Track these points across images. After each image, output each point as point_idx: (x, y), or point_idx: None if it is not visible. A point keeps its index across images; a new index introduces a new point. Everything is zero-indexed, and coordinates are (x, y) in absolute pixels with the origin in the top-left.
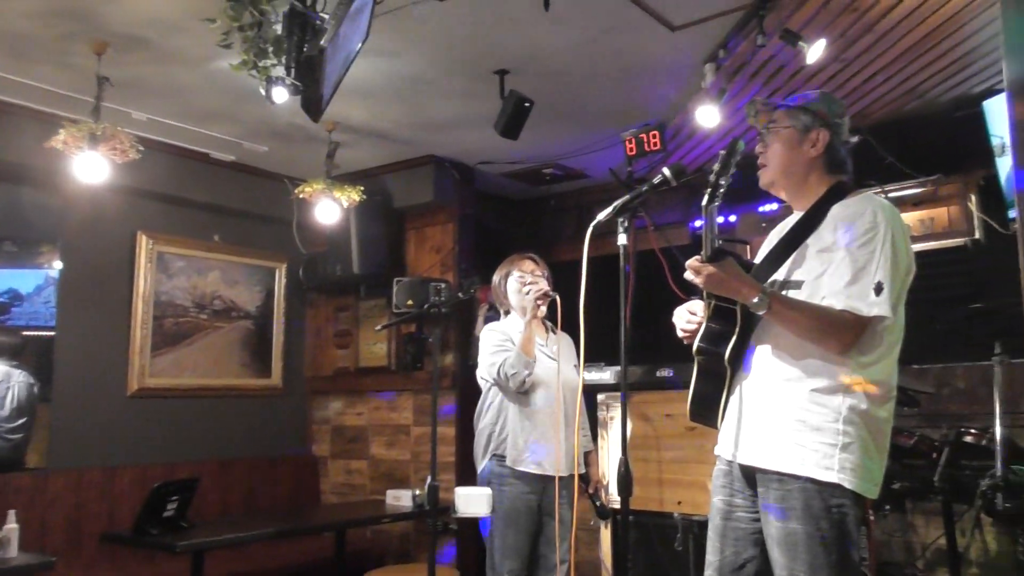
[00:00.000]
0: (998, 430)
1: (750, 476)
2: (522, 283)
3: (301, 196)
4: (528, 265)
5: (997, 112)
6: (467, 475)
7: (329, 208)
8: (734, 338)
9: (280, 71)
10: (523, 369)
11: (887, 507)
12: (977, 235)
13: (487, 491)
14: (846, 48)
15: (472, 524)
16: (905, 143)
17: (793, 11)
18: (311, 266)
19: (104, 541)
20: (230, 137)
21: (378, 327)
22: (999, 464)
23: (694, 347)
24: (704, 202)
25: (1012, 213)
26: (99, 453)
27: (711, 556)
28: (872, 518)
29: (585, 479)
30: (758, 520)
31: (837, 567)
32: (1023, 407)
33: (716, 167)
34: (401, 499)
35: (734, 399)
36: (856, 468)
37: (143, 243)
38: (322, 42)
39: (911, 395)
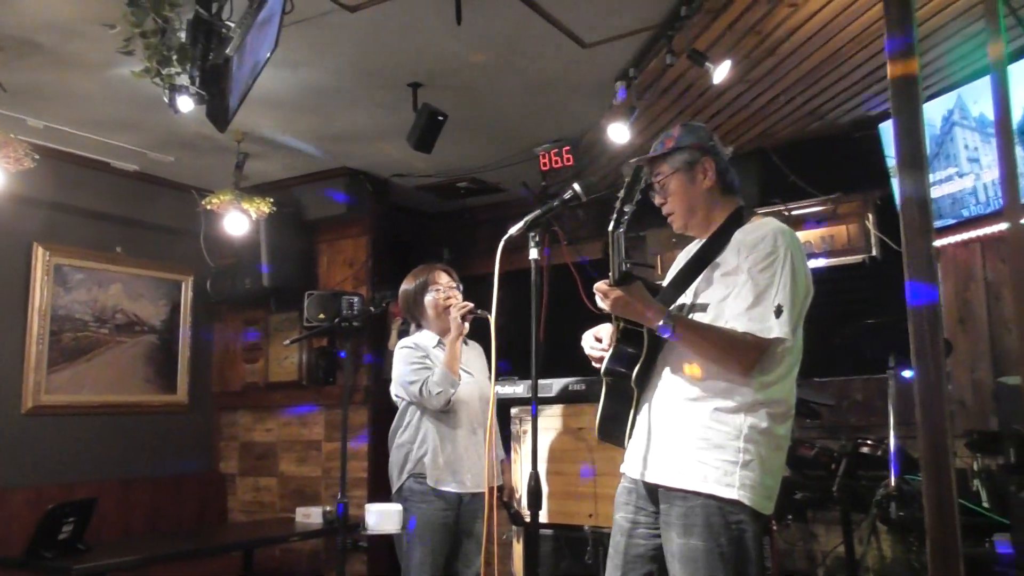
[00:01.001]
0: (892, 441)
1: (653, 493)
2: (441, 297)
3: (209, 207)
4: (444, 277)
5: (892, 134)
6: (379, 491)
7: (238, 220)
8: (641, 359)
9: (184, 79)
10: (449, 388)
11: (789, 517)
12: (874, 252)
13: (398, 507)
14: (750, 69)
15: (383, 541)
16: (807, 163)
17: (700, 32)
18: (219, 279)
19: None
20: (133, 146)
21: (288, 341)
22: (893, 474)
23: (602, 369)
24: (610, 228)
25: None
26: None
27: (611, 573)
28: (775, 528)
29: (500, 489)
30: (659, 537)
31: None
32: (916, 419)
33: (621, 193)
34: (311, 516)
35: (641, 418)
36: (755, 485)
37: (39, 255)
38: (228, 51)
39: (812, 407)
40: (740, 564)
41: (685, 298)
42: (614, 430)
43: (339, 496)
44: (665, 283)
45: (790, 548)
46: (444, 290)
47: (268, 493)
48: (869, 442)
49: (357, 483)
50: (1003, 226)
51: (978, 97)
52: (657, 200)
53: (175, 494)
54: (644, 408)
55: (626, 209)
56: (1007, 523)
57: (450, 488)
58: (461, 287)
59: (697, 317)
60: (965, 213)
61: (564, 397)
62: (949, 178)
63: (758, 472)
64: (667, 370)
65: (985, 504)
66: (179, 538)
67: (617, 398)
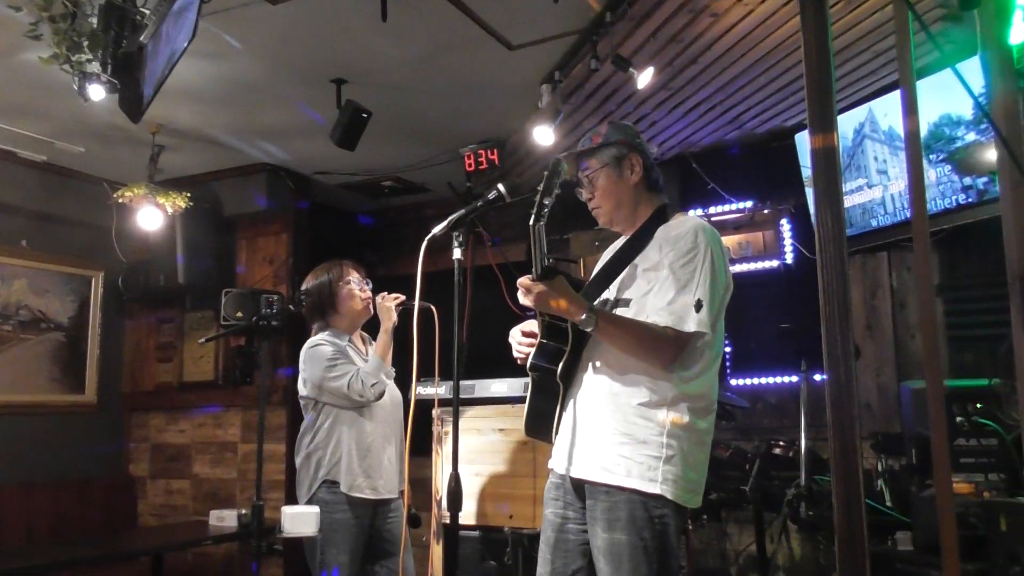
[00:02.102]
0: (803, 442)
1: (580, 489)
2: (354, 289)
3: (121, 201)
4: (355, 273)
5: (807, 145)
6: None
7: (152, 215)
8: (566, 355)
9: (96, 67)
10: (384, 378)
11: (704, 516)
12: (788, 259)
13: (315, 509)
14: (673, 77)
15: (300, 544)
16: (726, 170)
17: (624, 38)
18: (131, 275)
19: None
20: (40, 135)
21: (203, 339)
22: (803, 474)
23: (528, 364)
24: (531, 222)
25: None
26: None
27: (541, 568)
28: (691, 527)
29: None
30: (587, 532)
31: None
32: (825, 421)
33: (540, 187)
34: (226, 519)
35: (567, 414)
36: (678, 479)
37: None
38: (141, 38)
39: (727, 409)
40: (663, 557)
41: (608, 294)
42: (541, 426)
43: (255, 499)
44: (589, 280)
45: (704, 547)
46: (359, 283)
47: (181, 496)
48: (781, 443)
49: (274, 485)
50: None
51: (888, 110)
52: (584, 195)
53: (81, 498)
54: (570, 404)
55: (546, 202)
56: (908, 521)
57: (365, 495)
58: (370, 283)
59: (620, 312)
60: (874, 223)
61: (486, 399)
62: (859, 188)
63: (680, 467)
64: (591, 365)
65: (888, 503)
66: (85, 544)
67: (543, 394)
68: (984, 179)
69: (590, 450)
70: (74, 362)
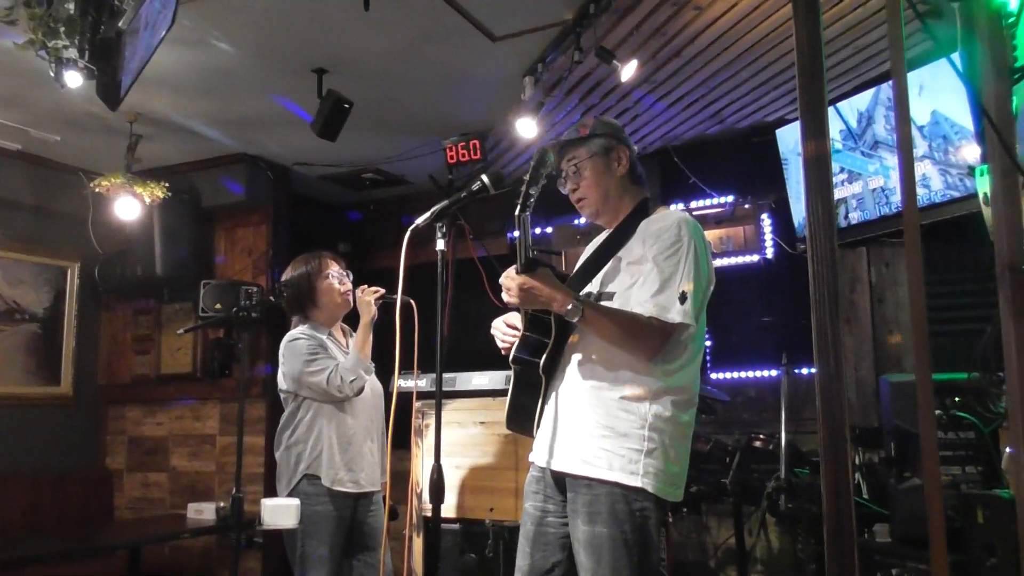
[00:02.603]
0: (783, 436)
1: (561, 482)
2: (335, 283)
3: (97, 191)
4: (335, 265)
5: (788, 140)
6: (276, 486)
7: (129, 205)
8: (549, 348)
9: (73, 53)
10: (363, 374)
11: (684, 510)
12: (768, 253)
13: (295, 502)
14: (656, 71)
15: (279, 537)
16: (707, 165)
17: (608, 31)
18: (108, 266)
19: None
20: (15, 124)
21: (182, 330)
22: (783, 467)
23: (511, 357)
24: (517, 211)
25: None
26: None
27: (521, 561)
28: (671, 520)
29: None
30: (567, 525)
31: (638, 569)
32: (805, 414)
33: (527, 177)
34: (204, 512)
35: (548, 407)
36: (659, 473)
37: None
38: (120, 24)
39: (708, 403)
40: (643, 550)
41: (592, 287)
42: (522, 420)
43: (234, 491)
44: (573, 273)
45: (684, 540)
46: (339, 276)
47: (158, 489)
48: (761, 437)
49: (253, 478)
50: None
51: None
52: (569, 186)
53: (56, 491)
54: (552, 396)
55: (532, 192)
56: (886, 513)
57: (346, 488)
58: (350, 275)
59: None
60: (853, 218)
61: (467, 391)
62: (839, 184)
63: (662, 460)
64: (574, 358)
65: (865, 496)
66: (60, 538)
67: (525, 387)
68: (962, 174)
69: (572, 443)
70: (49, 354)
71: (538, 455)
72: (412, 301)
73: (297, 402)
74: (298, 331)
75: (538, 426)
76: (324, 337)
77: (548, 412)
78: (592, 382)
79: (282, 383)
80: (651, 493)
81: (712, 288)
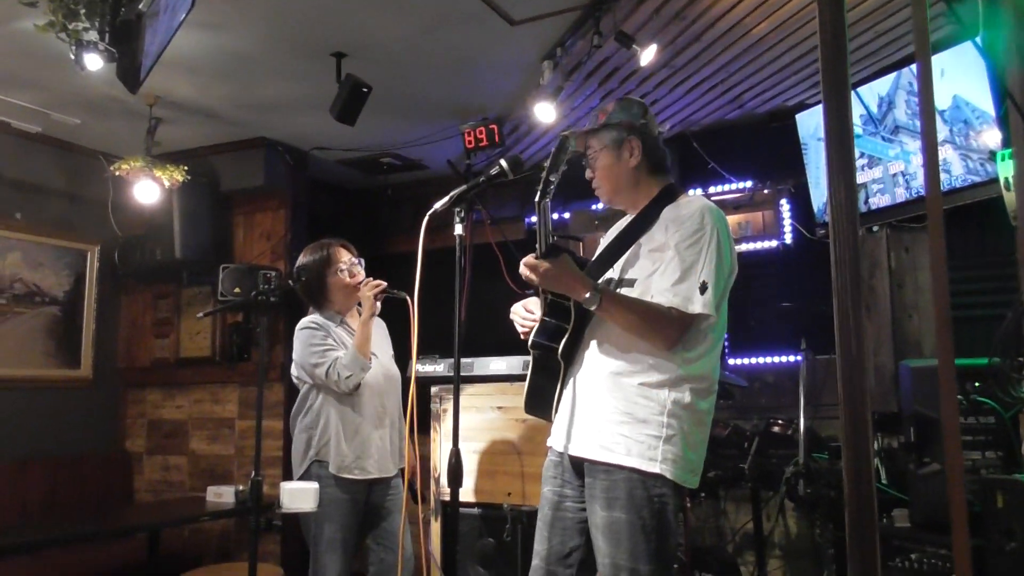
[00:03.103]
0: (802, 421)
1: (579, 467)
2: (349, 275)
3: (117, 174)
4: (345, 254)
5: (808, 125)
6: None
7: (149, 188)
8: (568, 333)
9: (93, 35)
10: (359, 372)
11: (702, 495)
12: (787, 239)
13: (314, 485)
14: (675, 55)
15: (297, 519)
16: (726, 150)
17: (628, 15)
18: (128, 250)
19: None
20: (36, 106)
21: (201, 314)
22: (802, 453)
23: (529, 342)
24: (536, 198)
25: (825, 218)
26: None
27: (539, 545)
28: (688, 505)
29: (402, 470)
30: (585, 510)
31: (656, 554)
32: (824, 399)
33: (547, 163)
34: (223, 496)
35: (567, 392)
36: (677, 459)
37: None
38: (140, 6)
39: (726, 388)
40: (661, 536)
41: (612, 273)
42: (541, 404)
43: (253, 474)
44: (594, 258)
45: (701, 525)
46: (348, 267)
47: (177, 472)
48: (780, 422)
49: (272, 462)
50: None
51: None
52: (588, 173)
53: (76, 474)
54: (570, 382)
55: (552, 179)
56: (905, 499)
57: (353, 476)
58: (363, 262)
59: (624, 292)
60: (874, 203)
61: (484, 376)
62: (860, 169)
63: (680, 446)
64: (593, 344)
65: (884, 481)
66: (80, 520)
67: (544, 372)
68: (982, 159)
69: (590, 428)
70: (69, 337)
71: (556, 440)
72: (408, 297)
73: (307, 387)
74: (308, 319)
75: (556, 411)
76: (335, 325)
77: (567, 397)
78: (611, 368)
79: (293, 369)
80: (669, 479)
81: (734, 278)
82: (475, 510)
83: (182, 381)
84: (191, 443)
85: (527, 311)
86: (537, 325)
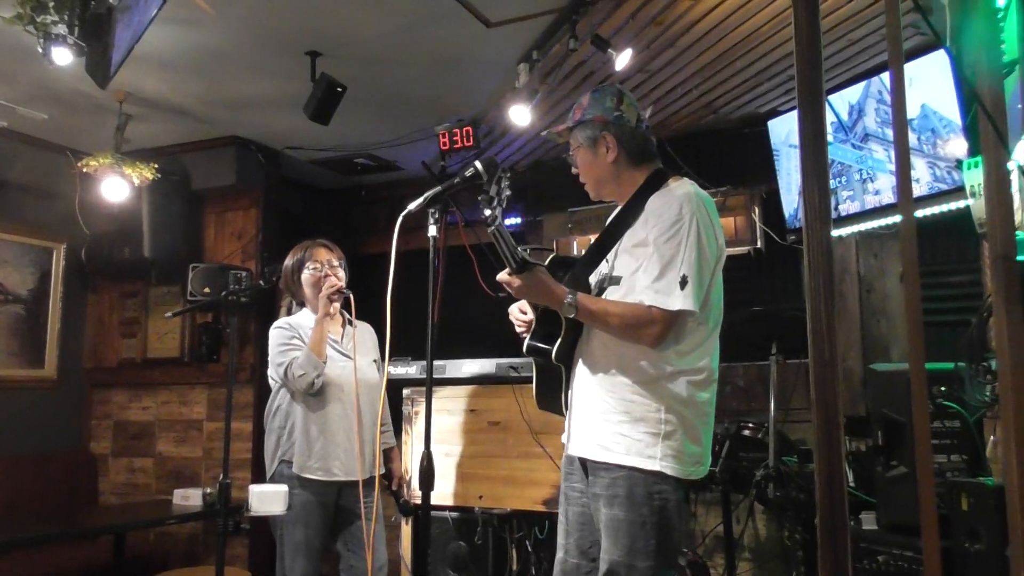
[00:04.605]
0: (772, 424)
1: (585, 466)
2: (316, 275)
3: (85, 171)
4: (323, 254)
5: (779, 131)
6: (263, 472)
7: (118, 186)
8: (560, 338)
9: (62, 29)
10: (312, 371)
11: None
12: (759, 244)
13: (283, 488)
14: (651, 60)
15: (265, 523)
16: (700, 154)
17: (604, 19)
18: (95, 248)
19: None
20: (2, 100)
21: (170, 313)
22: (772, 456)
23: (524, 346)
24: (487, 224)
25: (796, 223)
26: None
27: (561, 539)
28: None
29: (387, 476)
30: None
31: (655, 551)
32: (794, 403)
33: (491, 191)
34: (190, 498)
35: (571, 393)
36: (678, 455)
37: None
38: (111, 0)
39: None
40: (662, 533)
41: (600, 271)
42: (552, 401)
43: (222, 477)
44: (582, 256)
45: None
46: (323, 267)
47: (143, 475)
48: (750, 425)
49: (240, 464)
50: (876, 223)
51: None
52: (575, 169)
53: (39, 475)
54: (572, 384)
55: (496, 205)
56: (873, 501)
57: (317, 476)
58: (344, 263)
59: (612, 290)
60: (843, 210)
61: (457, 379)
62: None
63: (680, 441)
64: (588, 345)
65: (852, 484)
66: (43, 521)
67: (547, 375)
68: (949, 167)
69: (589, 429)
70: (34, 336)
71: (566, 439)
72: (351, 294)
73: (277, 387)
74: (283, 320)
75: (567, 406)
76: (308, 326)
77: (571, 398)
78: (606, 368)
79: (268, 368)
80: (669, 476)
81: (723, 262)
82: (446, 513)
83: (149, 382)
84: (158, 445)
85: (521, 311)
86: (532, 330)
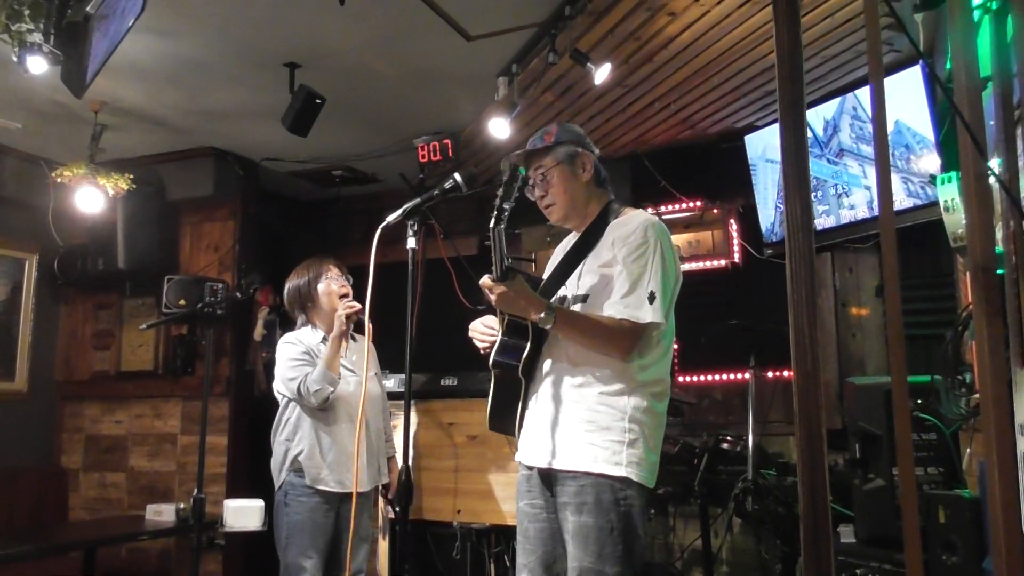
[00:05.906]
0: (751, 438)
1: (548, 478)
2: (340, 289)
3: (60, 181)
4: (336, 271)
5: (756, 146)
6: (238, 487)
7: (92, 196)
8: (527, 350)
9: (37, 37)
10: (327, 386)
11: (652, 511)
12: (736, 258)
13: (259, 503)
14: (629, 74)
15: (240, 539)
16: (677, 169)
17: (583, 33)
18: (68, 259)
19: None
20: None
21: (144, 325)
22: (750, 469)
23: (490, 360)
24: (491, 224)
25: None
26: None
27: (522, 559)
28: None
29: (387, 486)
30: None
31: (623, 556)
32: (772, 416)
33: (500, 192)
34: (163, 514)
35: (531, 407)
36: (642, 461)
37: None
38: (88, 8)
39: (676, 405)
40: (628, 538)
41: (565, 291)
42: (504, 421)
43: (196, 492)
44: (545, 276)
45: (651, 541)
46: (337, 279)
47: (116, 489)
48: (729, 438)
49: (215, 479)
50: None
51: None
52: (537, 193)
53: (8, 489)
54: (532, 397)
55: (505, 206)
56: (850, 514)
57: (329, 487)
58: (351, 280)
59: (578, 307)
60: (818, 224)
61: (434, 392)
62: None
63: (643, 449)
64: (553, 359)
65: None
66: (11, 537)
67: (505, 390)
68: (923, 182)
69: (556, 440)
70: (4, 348)
71: (524, 455)
72: (371, 324)
73: (285, 401)
74: (292, 334)
75: (520, 426)
76: (318, 342)
77: (531, 412)
78: (571, 381)
79: (275, 383)
80: (635, 481)
81: (679, 287)
82: (425, 527)
83: (122, 395)
84: (131, 459)
85: (486, 327)
86: (497, 344)
